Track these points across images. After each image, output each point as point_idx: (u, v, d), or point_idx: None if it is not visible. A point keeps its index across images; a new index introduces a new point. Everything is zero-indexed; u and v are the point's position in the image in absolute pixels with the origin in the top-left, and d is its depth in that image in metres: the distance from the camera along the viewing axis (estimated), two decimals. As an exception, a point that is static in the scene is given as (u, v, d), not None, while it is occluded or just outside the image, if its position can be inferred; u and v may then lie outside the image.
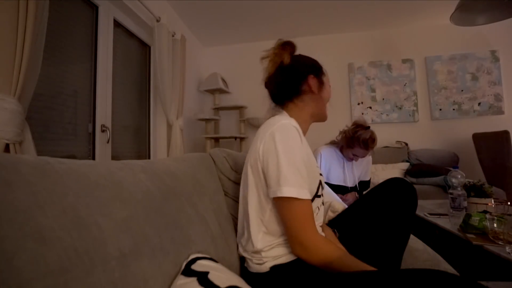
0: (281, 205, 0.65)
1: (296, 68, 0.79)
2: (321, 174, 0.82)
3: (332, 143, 1.72)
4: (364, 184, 1.78)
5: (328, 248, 0.62)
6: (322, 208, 0.83)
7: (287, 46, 0.79)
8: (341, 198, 1.55)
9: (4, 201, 0.31)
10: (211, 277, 0.46)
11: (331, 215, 1.04)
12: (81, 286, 0.33)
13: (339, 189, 1.64)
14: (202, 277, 0.46)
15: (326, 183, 1.70)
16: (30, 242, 0.30)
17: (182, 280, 0.47)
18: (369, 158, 1.74)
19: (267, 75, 0.81)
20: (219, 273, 0.49)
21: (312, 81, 0.79)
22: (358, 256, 0.63)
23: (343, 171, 1.66)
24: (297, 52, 0.83)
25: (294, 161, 0.63)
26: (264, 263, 0.68)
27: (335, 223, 0.95)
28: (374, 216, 0.86)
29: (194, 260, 0.52)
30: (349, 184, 1.67)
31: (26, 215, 0.32)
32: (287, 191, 0.61)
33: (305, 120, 0.80)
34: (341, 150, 1.67)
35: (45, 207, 0.34)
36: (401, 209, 0.85)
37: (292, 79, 0.79)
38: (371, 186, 2.46)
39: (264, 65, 0.81)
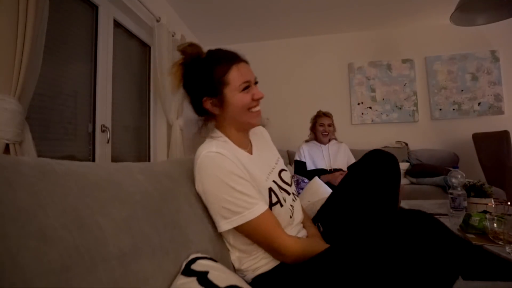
0: (242, 230, 0.66)
1: (190, 93, 0.74)
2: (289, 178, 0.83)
3: (309, 140, 2.17)
4: None
5: (296, 245, 0.66)
6: (296, 207, 0.80)
7: (177, 67, 0.72)
8: (330, 177, 1.79)
9: (6, 201, 0.31)
10: (210, 276, 0.46)
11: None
12: (83, 284, 0.33)
13: (323, 173, 1.89)
14: (202, 276, 0.46)
15: (315, 170, 1.94)
16: (32, 241, 0.31)
17: (182, 280, 0.47)
18: (344, 145, 2.11)
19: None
20: (218, 273, 0.49)
21: (208, 103, 0.71)
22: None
23: (323, 155, 2.04)
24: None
25: (229, 190, 0.62)
26: (244, 276, 0.70)
27: (320, 217, 0.93)
28: (356, 197, 0.83)
29: (194, 260, 0.52)
30: (333, 166, 1.99)
31: (28, 215, 0.32)
32: (236, 221, 0.62)
33: (235, 130, 0.74)
34: (316, 139, 2.10)
35: (46, 207, 0.35)
36: (383, 183, 0.81)
37: (193, 104, 0.75)
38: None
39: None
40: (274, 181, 0.74)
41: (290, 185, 0.81)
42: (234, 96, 0.69)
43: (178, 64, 0.71)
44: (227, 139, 0.73)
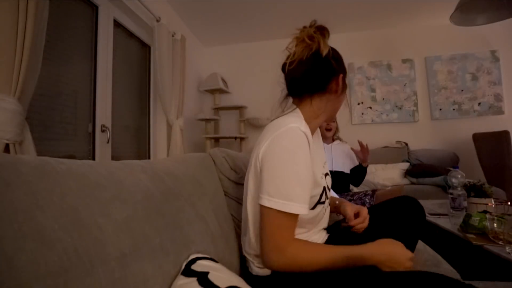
0: (262, 213, 0.61)
1: (332, 63, 0.70)
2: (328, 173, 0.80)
3: None
4: (358, 169, 1.89)
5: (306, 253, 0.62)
6: (327, 212, 0.81)
7: (326, 32, 0.69)
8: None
9: (4, 201, 0.31)
10: (211, 277, 0.46)
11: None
12: (81, 287, 0.33)
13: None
14: (202, 277, 0.46)
15: None
16: (30, 243, 0.30)
17: (182, 280, 0.47)
18: (347, 145, 1.98)
19: (294, 59, 0.69)
20: (219, 273, 0.49)
21: (341, 82, 0.72)
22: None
23: (325, 154, 1.92)
24: None
25: (292, 172, 0.59)
26: (265, 267, 0.66)
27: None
28: (379, 232, 0.79)
29: (194, 260, 0.52)
30: (334, 167, 1.86)
31: (26, 215, 0.32)
32: (273, 202, 0.58)
33: (317, 120, 0.73)
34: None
35: (45, 207, 0.34)
36: (407, 231, 0.80)
37: (324, 74, 0.70)
38: (373, 186, 2.47)
39: (291, 45, 0.70)
40: (325, 176, 0.75)
41: (329, 189, 0.80)
42: (346, 89, 0.77)
43: (323, 35, 0.69)
44: (304, 121, 0.71)
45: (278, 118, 0.69)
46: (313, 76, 0.70)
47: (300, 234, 0.72)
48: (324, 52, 0.67)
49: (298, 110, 0.72)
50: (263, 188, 0.60)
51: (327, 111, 0.74)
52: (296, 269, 0.60)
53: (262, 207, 0.61)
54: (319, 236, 0.79)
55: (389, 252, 0.63)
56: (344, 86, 0.75)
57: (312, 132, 0.74)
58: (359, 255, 0.61)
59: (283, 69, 0.73)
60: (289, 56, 0.70)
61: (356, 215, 0.81)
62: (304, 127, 0.63)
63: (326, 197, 0.75)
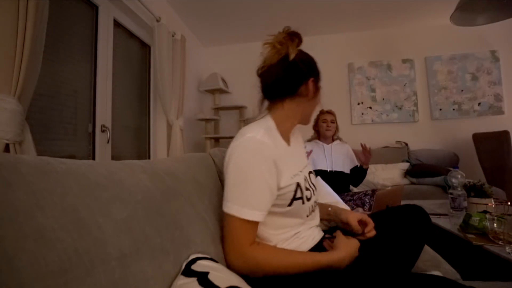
0: (223, 217, 0.65)
1: (300, 67, 0.73)
2: (311, 172, 0.81)
3: (311, 139, 2.09)
4: (358, 170, 1.90)
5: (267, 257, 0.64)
6: (316, 209, 0.81)
7: (295, 38, 0.72)
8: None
9: (4, 201, 0.31)
10: (211, 277, 0.46)
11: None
12: (81, 287, 0.33)
13: (322, 175, 1.78)
14: (202, 277, 0.46)
15: (316, 170, 1.86)
16: (30, 243, 0.30)
17: (182, 280, 0.47)
18: (347, 145, 2.02)
19: (265, 64, 0.73)
20: (219, 273, 0.49)
21: (311, 85, 0.74)
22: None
23: (324, 155, 1.95)
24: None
25: (246, 180, 0.62)
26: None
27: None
28: (383, 241, 0.79)
29: (194, 260, 0.52)
30: (334, 167, 1.89)
31: (26, 215, 0.32)
32: (229, 208, 0.62)
33: (291, 121, 0.77)
34: (319, 138, 2.03)
35: (45, 207, 0.34)
36: (413, 241, 0.79)
37: (292, 78, 0.73)
38: (373, 186, 2.47)
39: (264, 51, 0.73)
40: (304, 178, 0.75)
41: (315, 189, 0.81)
42: (319, 92, 0.79)
43: (292, 40, 0.72)
44: (274, 127, 0.74)
45: (246, 126, 0.72)
46: (283, 80, 0.73)
47: (287, 232, 0.73)
48: (291, 56, 0.70)
49: (268, 116, 0.76)
50: (224, 194, 0.65)
51: (300, 114, 0.78)
52: (258, 272, 0.62)
53: (223, 212, 0.64)
54: (311, 233, 0.78)
55: (350, 254, 0.68)
56: (316, 89, 0.77)
57: (286, 134, 0.77)
58: (326, 262, 0.64)
59: (257, 73, 0.77)
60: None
61: (361, 222, 0.82)
62: (261, 135, 0.65)
63: (312, 194, 0.75)
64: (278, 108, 0.75)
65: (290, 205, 0.69)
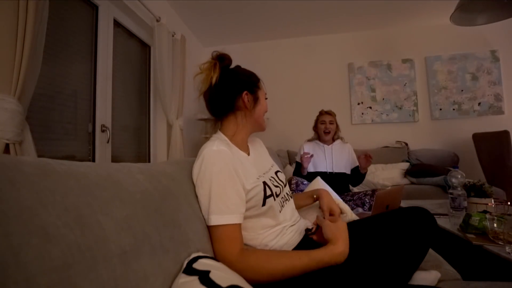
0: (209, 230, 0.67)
1: (230, 85, 0.79)
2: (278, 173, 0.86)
3: (311, 139, 2.10)
4: (357, 173, 1.90)
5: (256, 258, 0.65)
6: (289, 205, 0.84)
7: (217, 63, 0.79)
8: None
9: (10, 199, 0.32)
10: (212, 276, 0.46)
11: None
12: (84, 282, 0.34)
13: (323, 176, 1.76)
14: (204, 276, 0.46)
15: (314, 173, 1.87)
16: (35, 239, 0.31)
17: (183, 278, 0.47)
18: (348, 145, 2.02)
19: (202, 90, 0.81)
20: (220, 272, 0.49)
21: (246, 98, 0.80)
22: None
23: (324, 156, 1.96)
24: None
25: (217, 189, 0.66)
26: None
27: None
28: (384, 242, 0.77)
29: (195, 259, 0.52)
30: (334, 169, 1.89)
31: (31, 213, 0.33)
32: (212, 220, 0.65)
33: (243, 132, 0.83)
34: (319, 139, 2.03)
35: (48, 205, 0.35)
36: (416, 245, 0.77)
37: (226, 96, 0.80)
38: (373, 186, 2.47)
39: (200, 79, 0.81)
40: (270, 178, 0.80)
41: (285, 185, 0.86)
42: (262, 100, 0.85)
43: (214, 65, 0.78)
44: (227, 140, 0.79)
45: (202, 146, 0.75)
46: (217, 100, 0.81)
47: (273, 231, 0.75)
48: (213, 81, 0.77)
49: (219, 131, 0.83)
50: (202, 211, 0.68)
51: (248, 124, 0.83)
52: (256, 277, 0.61)
53: (208, 227, 0.67)
54: (297, 228, 0.81)
55: (347, 242, 0.68)
56: (255, 99, 0.82)
57: (242, 145, 0.83)
58: (320, 259, 0.63)
59: (204, 98, 0.84)
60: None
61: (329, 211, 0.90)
62: (216, 145, 0.70)
63: (281, 190, 0.80)
64: (225, 123, 0.82)
65: (264, 204, 0.72)
